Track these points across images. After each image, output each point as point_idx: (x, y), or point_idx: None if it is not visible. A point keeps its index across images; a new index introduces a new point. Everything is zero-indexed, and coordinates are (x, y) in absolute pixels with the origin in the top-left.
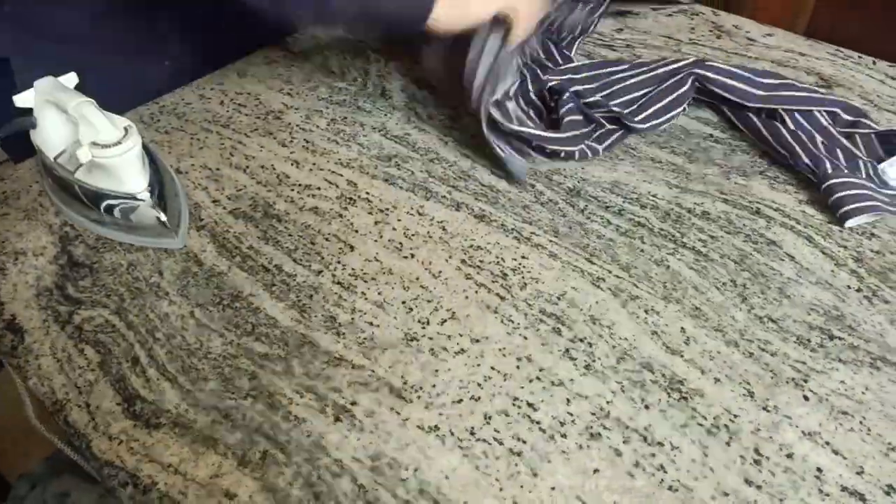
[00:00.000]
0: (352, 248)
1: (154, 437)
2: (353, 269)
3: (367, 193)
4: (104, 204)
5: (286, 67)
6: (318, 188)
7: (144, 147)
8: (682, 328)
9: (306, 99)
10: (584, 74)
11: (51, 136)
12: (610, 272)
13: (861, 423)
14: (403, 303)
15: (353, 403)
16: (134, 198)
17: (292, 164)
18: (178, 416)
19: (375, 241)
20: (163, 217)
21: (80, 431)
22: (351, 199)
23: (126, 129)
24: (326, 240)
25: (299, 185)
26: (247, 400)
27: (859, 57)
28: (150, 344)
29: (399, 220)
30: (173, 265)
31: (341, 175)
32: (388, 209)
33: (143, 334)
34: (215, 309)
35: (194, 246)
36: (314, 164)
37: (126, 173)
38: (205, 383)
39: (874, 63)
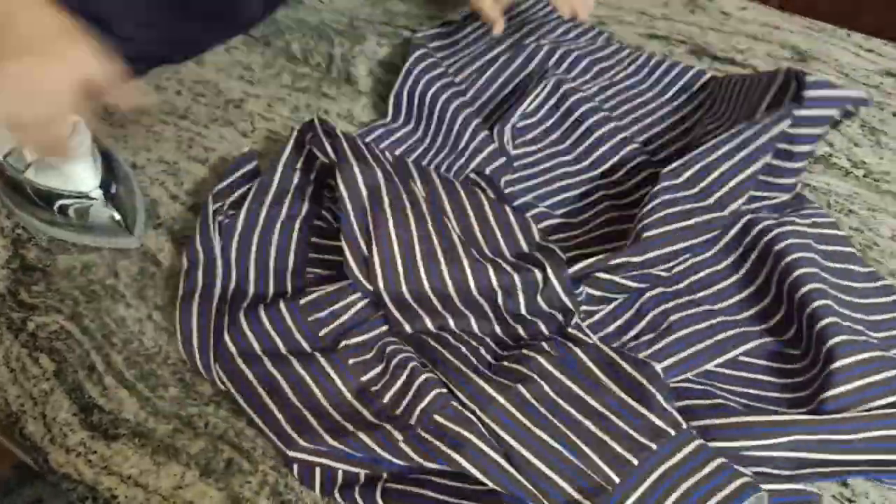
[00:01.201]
0: None
1: (113, 449)
2: None
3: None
4: (57, 204)
5: (246, 54)
6: None
7: (96, 142)
8: None
9: (268, 86)
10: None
11: None
12: None
13: None
14: None
15: None
16: (87, 196)
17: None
18: (137, 426)
19: None
20: (117, 216)
21: (36, 444)
22: None
23: (73, 124)
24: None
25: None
26: (210, 406)
27: (833, 29)
28: (106, 350)
29: None
30: (129, 266)
31: None
32: None
33: (98, 340)
34: (174, 310)
35: (152, 245)
36: (277, 153)
37: (76, 171)
38: (165, 390)
39: (848, 35)
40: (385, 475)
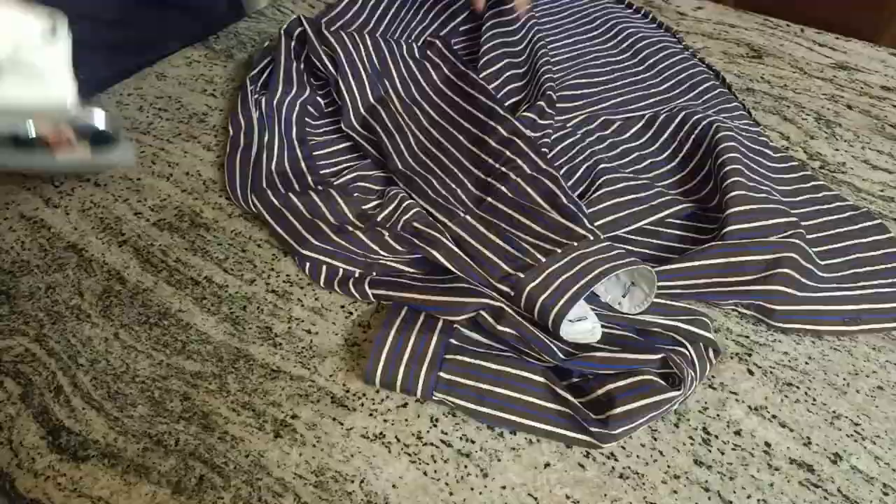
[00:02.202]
0: (285, 253)
1: (82, 470)
2: (287, 275)
3: None
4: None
5: (208, 67)
6: None
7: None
8: None
9: (231, 99)
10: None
11: None
12: None
13: (806, 393)
14: (342, 307)
15: (294, 417)
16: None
17: (219, 169)
18: (106, 446)
19: None
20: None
21: (2, 470)
22: None
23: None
24: (258, 246)
25: (227, 190)
26: (179, 423)
27: (787, 25)
28: (73, 371)
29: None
30: (94, 285)
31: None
32: None
33: (65, 361)
34: (141, 328)
35: (116, 262)
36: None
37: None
38: (133, 409)
39: (802, 30)
40: (375, 273)
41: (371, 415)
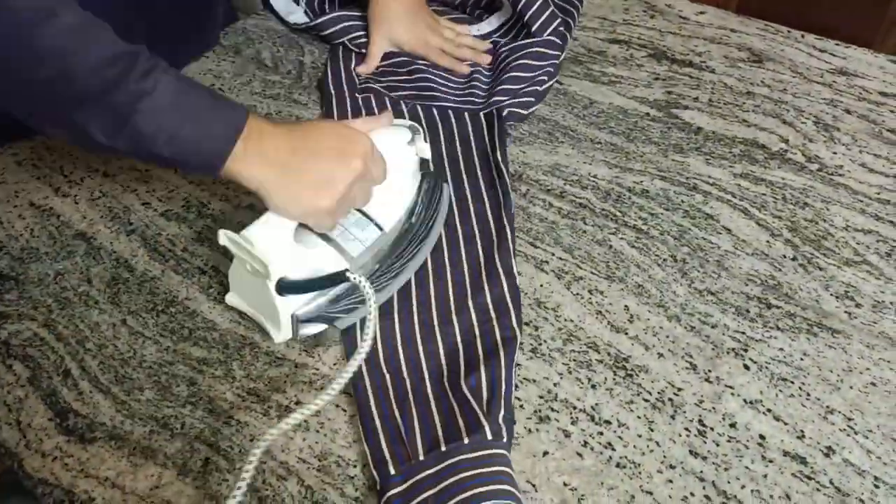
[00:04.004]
0: None
1: (89, 452)
2: None
3: None
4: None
5: (216, 62)
6: None
7: None
8: (626, 306)
9: (239, 93)
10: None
11: None
12: (553, 255)
13: (800, 388)
14: None
15: (298, 403)
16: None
17: None
18: (113, 429)
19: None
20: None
21: (11, 450)
22: None
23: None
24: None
25: (233, 182)
26: (185, 407)
27: (788, 31)
28: (81, 355)
29: None
30: (103, 273)
31: None
32: None
33: (73, 346)
34: (149, 315)
35: (124, 251)
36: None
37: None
38: (140, 393)
39: (802, 36)
40: None
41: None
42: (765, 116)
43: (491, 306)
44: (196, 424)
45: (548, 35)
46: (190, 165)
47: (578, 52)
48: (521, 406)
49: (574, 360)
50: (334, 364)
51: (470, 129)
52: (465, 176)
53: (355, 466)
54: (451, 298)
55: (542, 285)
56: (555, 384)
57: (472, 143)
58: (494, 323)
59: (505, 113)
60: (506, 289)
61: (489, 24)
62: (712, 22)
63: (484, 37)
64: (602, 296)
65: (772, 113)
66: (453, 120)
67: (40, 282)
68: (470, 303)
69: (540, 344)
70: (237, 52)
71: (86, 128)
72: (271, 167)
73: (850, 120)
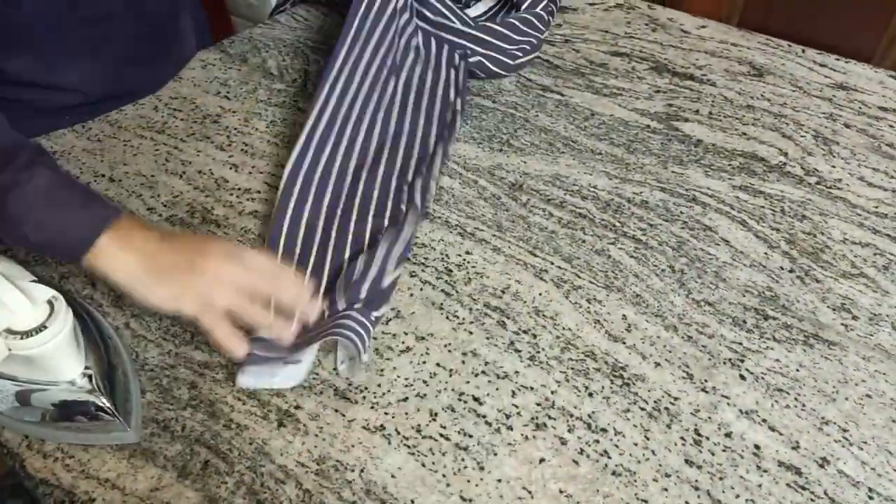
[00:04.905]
0: None
1: (90, 453)
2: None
3: None
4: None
5: (222, 70)
6: (258, 192)
7: (78, 313)
8: (624, 315)
9: (244, 101)
10: None
11: None
12: (553, 264)
13: (796, 399)
14: None
15: (297, 407)
16: (72, 383)
17: (231, 168)
18: None
19: None
20: (106, 403)
21: (13, 451)
22: None
23: (51, 302)
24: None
25: (238, 189)
26: (186, 410)
27: (789, 46)
28: None
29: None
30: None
31: (281, 178)
32: None
33: None
34: (151, 319)
35: None
36: (253, 167)
37: (55, 362)
38: (142, 395)
39: (803, 51)
40: None
41: (372, 407)
42: (764, 130)
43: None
44: (196, 427)
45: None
46: (55, 251)
47: (580, 63)
48: (519, 413)
49: (571, 369)
50: (333, 368)
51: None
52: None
53: (353, 471)
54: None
55: (540, 294)
56: (552, 392)
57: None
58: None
59: (472, 59)
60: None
61: (482, 6)
62: (713, 36)
63: (476, 19)
64: (600, 305)
65: (771, 126)
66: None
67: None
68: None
69: (538, 352)
70: (243, 61)
71: None
72: (132, 260)
73: (850, 134)
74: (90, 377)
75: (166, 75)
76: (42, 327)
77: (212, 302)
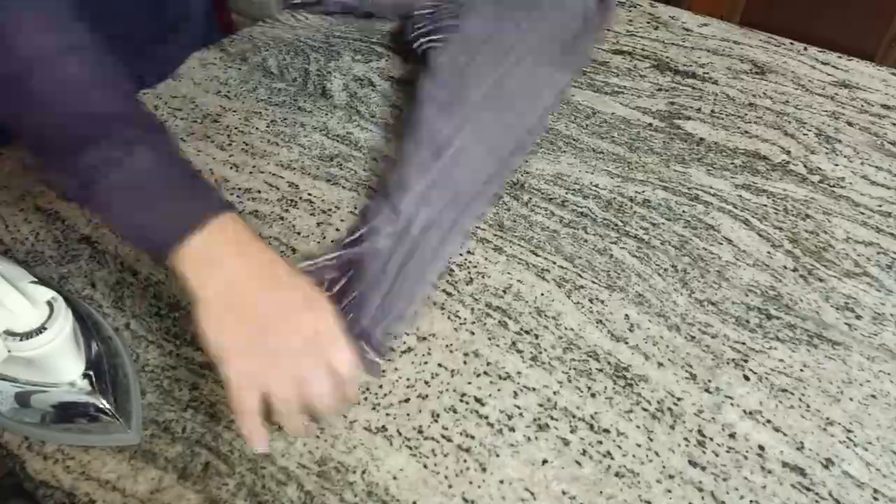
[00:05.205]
0: (294, 250)
1: (90, 454)
2: None
3: (310, 194)
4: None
5: (222, 69)
6: (259, 191)
7: (78, 314)
8: (626, 315)
9: (244, 101)
10: None
11: None
12: (555, 263)
13: (800, 399)
14: None
15: None
16: (72, 384)
17: (231, 168)
18: None
19: (318, 242)
20: (105, 405)
21: (13, 452)
22: (292, 200)
23: (50, 304)
24: (268, 243)
25: (239, 188)
26: (187, 411)
27: (791, 43)
28: None
29: (342, 221)
30: (107, 276)
31: (282, 177)
32: (330, 209)
33: None
34: (152, 319)
35: (128, 255)
36: (254, 166)
37: (55, 363)
38: (142, 397)
39: (805, 49)
40: None
41: (374, 409)
42: (767, 128)
43: None
44: (197, 429)
45: None
46: (140, 245)
47: None
48: (521, 414)
49: (574, 369)
50: None
51: None
52: None
53: (354, 472)
54: None
55: (542, 294)
56: (554, 392)
57: None
58: None
59: None
60: None
61: None
62: (715, 34)
63: None
64: (603, 305)
65: (774, 124)
66: None
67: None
68: None
69: (540, 352)
70: (243, 60)
71: (61, 180)
72: (221, 277)
73: (852, 132)
74: (90, 378)
75: (171, 63)
76: (42, 329)
77: (268, 387)
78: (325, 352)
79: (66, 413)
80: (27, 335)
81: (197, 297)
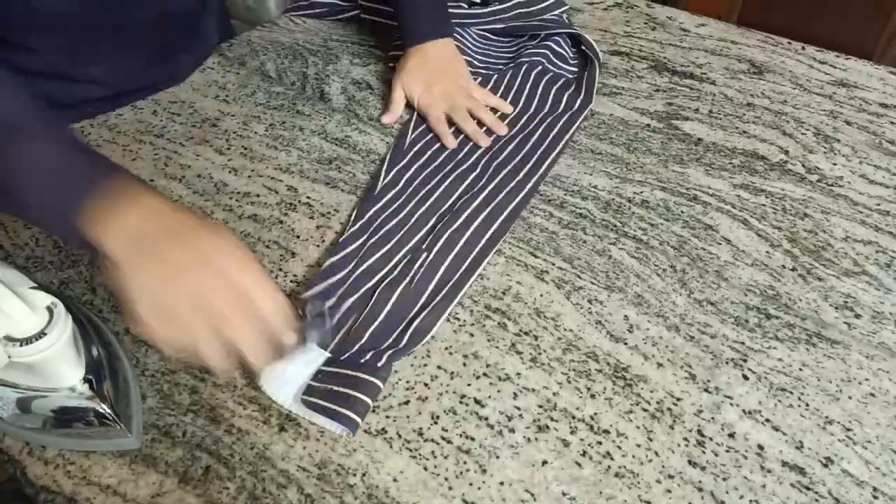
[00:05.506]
0: (293, 254)
1: (91, 459)
2: (294, 275)
3: (308, 198)
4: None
5: (221, 74)
6: (258, 195)
7: (78, 319)
8: (626, 316)
9: (243, 105)
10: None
11: None
12: (553, 265)
13: (799, 398)
14: None
15: (298, 413)
16: (72, 389)
17: (230, 172)
18: None
19: (317, 245)
20: (106, 409)
21: (14, 457)
22: (291, 204)
23: (50, 309)
24: (267, 247)
25: (238, 192)
26: (187, 416)
27: (789, 43)
28: None
29: (341, 224)
30: (107, 282)
31: (281, 180)
32: (329, 213)
33: None
34: None
35: None
36: (253, 170)
37: (55, 368)
38: (143, 401)
39: (803, 48)
40: None
41: (374, 411)
42: (765, 128)
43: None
44: (197, 433)
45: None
46: (53, 230)
47: None
48: (521, 415)
49: (573, 370)
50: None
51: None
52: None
53: (355, 475)
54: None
55: (541, 295)
56: (554, 393)
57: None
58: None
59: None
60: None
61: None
62: (713, 34)
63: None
64: (602, 305)
65: (772, 124)
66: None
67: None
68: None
69: (539, 353)
70: (241, 64)
71: None
72: (135, 217)
73: (850, 131)
74: (90, 383)
75: (185, 72)
76: (41, 334)
77: (209, 300)
78: (227, 269)
79: (67, 418)
80: (27, 341)
81: (105, 252)
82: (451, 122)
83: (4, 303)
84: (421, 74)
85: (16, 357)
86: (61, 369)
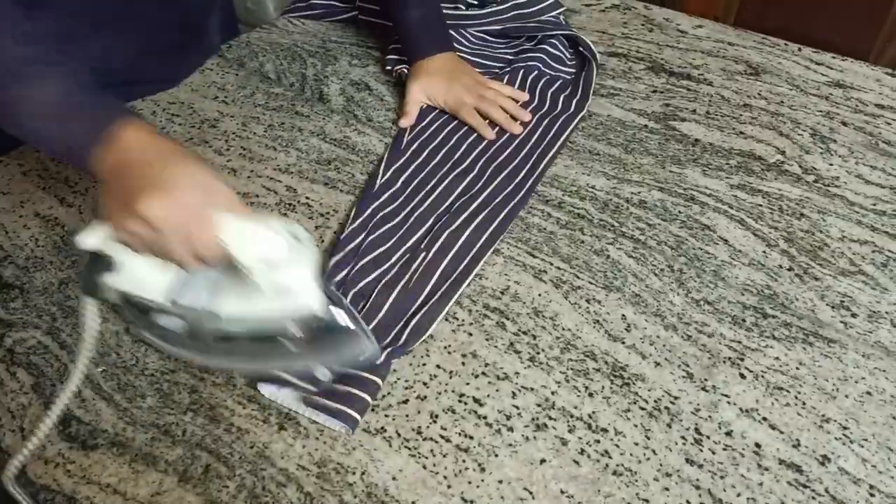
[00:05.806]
0: None
1: (91, 458)
2: None
3: (307, 198)
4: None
5: (220, 75)
6: (257, 195)
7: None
8: (623, 315)
9: (242, 106)
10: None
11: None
12: (552, 264)
13: (796, 397)
14: None
15: (298, 411)
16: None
17: (229, 173)
18: (115, 436)
19: (317, 245)
20: (351, 324)
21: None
22: (290, 204)
23: (294, 234)
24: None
25: (237, 192)
26: (187, 415)
27: (785, 44)
28: None
29: (340, 224)
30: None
31: (280, 181)
32: (328, 213)
33: (76, 354)
34: None
35: None
36: (252, 171)
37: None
38: (142, 400)
39: (799, 49)
40: None
41: (373, 410)
42: (762, 128)
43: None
44: (197, 432)
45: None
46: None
47: None
48: (519, 414)
49: (571, 369)
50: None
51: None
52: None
53: (354, 473)
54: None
55: (539, 294)
56: (552, 392)
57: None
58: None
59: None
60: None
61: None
62: (710, 35)
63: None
64: (599, 305)
65: (769, 125)
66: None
67: (45, 290)
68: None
69: (538, 353)
70: (241, 65)
71: None
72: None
73: (847, 132)
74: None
75: (186, 70)
76: (292, 258)
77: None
78: (174, 176)
79: (319, 336)
80: (281, 264)
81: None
82: (453, 117)
83: (258, 230)
84: (440, 77)
85: (270, 281)
86: (308, 290)
